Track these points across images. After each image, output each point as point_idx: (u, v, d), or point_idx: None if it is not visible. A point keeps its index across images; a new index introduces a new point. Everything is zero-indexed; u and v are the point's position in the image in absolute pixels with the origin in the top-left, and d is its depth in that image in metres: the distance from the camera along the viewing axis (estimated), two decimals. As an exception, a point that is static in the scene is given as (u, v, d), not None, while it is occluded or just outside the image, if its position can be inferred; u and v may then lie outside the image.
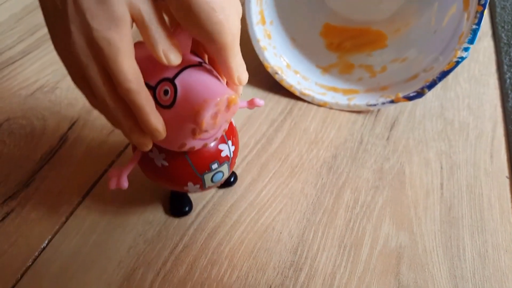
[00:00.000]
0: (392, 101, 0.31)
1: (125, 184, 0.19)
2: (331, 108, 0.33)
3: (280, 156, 0.29)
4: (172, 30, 0.17)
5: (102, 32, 0.15)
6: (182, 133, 0.18)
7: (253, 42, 0.31)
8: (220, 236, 0.24)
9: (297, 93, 0.33)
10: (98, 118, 0.30)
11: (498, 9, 0.44)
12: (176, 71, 0.17)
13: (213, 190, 0.26)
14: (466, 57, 0.28)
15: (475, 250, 0.25)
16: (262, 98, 0.33)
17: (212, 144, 0.20)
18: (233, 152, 0.22)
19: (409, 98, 0.31)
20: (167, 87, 0.17)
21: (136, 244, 0.23)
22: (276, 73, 0.32)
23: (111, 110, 0.17)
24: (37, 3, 0.41)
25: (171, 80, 0.17)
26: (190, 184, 0.21)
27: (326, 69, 0.35)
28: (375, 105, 0.32)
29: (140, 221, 0.24)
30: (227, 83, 0.19)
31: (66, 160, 0.27)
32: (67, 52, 0.16)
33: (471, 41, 0.27)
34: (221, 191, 0.26)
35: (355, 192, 0.27)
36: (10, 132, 0.29)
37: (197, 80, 0.17)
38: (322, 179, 0.28)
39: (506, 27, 0.42)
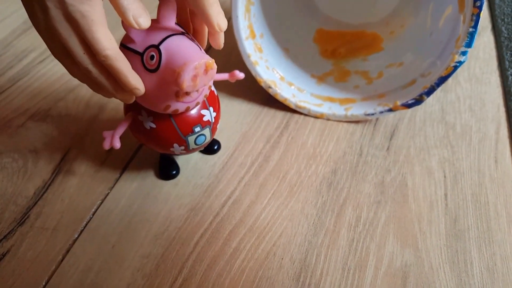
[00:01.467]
0: (390, 110, 0.30)
1: (117, 144, 0.22)
2: (328, 119, 0.32)
3: (278, 175, 0.28)
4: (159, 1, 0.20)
5: (76, 6, 0.17)
6: (167, 95, 0.20)
7: (244, 58, 0.30)
8: (220, 267, 0.23)
9: (293, 106, 0.32)
10: (90, 147, 0.29)
11: (497, 1, 0.43)
12: (161, 38, 0.19)
13: (209, 219, 0.25)
14: (464, 61, 0.27)
15: (483, 264, 0.24)
16: (257, 113, 0.33)
17: (195, 110, 0.23)
18: (214, 117, 0.24)
19: (408, 106, 0.29)
20: (153, 53, 0.19)
21: (134, 281, 0.23)
22: (270, 87, 0.31)
23: (93, 76, 0.19)
24: (24, 26, 0.40)
25: (156, 46, 0.19)
26: (175, 145, 0.24)
27: (321, 78, 0.34)
28: (373, 114, 0.30)
29: (137, 256, 0.23)
30: (209, 33, 0.22)
31: (59, 194, 0.27)
32: (47, 27, 0.18)
33: (469, 45, 0.26)
34: (219, 217, 0.26)
35: (356, 209, 0.26)
36: (3, 167, 0.28)
37: (179, 46, 0.19)
38: (322, 196, 0.27)
39: (506, 19, 0.40)
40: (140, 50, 0.20)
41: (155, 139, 0.24)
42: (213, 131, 0.25)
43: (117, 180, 0.28)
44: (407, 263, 0.24)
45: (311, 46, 0.36)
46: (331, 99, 0.32)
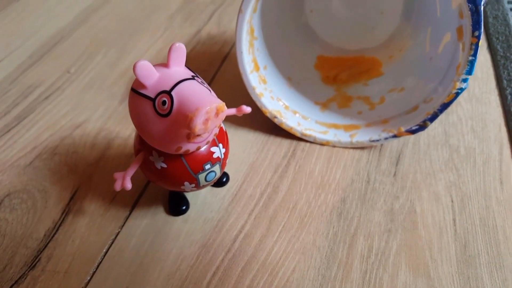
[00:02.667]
0: (394, 136, 0.30)
1: (128, 185, 0.22)
2: (334, 146, 0.32)
3: (288, 206, 0.28)
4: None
5: None
6: (178, 137, 0.20)
7: (249, 90, 0.30)
8: (235, 306, 0.23)
9: (298, 135, 0.32)
10: (99, 184, 0.29)
11: (490, 19, 0.43)
12: (172, 84, 0.20)
13: (221, 256, 0.25)
14: (465, 88, 0.27)
15: (497, 290, 0.24)
16: (263, 143, 0.32)
17: (204, 147, 0.23)
18: (223, 153, 0.25)
19: (412, 132, 0.29)
20: (164, 98, 0.19)
21: (150, 324, 0.22)
22: (275, 117, 0.31)
23: None
24: (30, 61, 0.40)
25: (168, 92, 0.19)
26: (186, 183, 0.24)
27: (325, 104, 0.34)
28: (378, 140, 0.30)
29: (152, 299, 0.23)
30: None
31: (70, 234, 0.26)
32: None
33: (469, 72, 0.26)
34: (231, 253, 0.25)
35: (368, 238, 0.26)
36: (12, 208, 0.28)
37: (190, 91, 0.19)
38: (333, 227, 0.27)
39: (500, 38, 0.41)
40: (152, 95, 0.20)
41: (166, 178, 0.24)
42: (222, 166, 0.25)
43: (127, 218, 0.27)
44: (421, 293, 0.24)
45: (313, 73, 0.36)
46: (336, 126, 0.32)
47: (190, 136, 0.20)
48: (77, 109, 0.35)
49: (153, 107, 0.20)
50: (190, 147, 0.21)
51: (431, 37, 0.32)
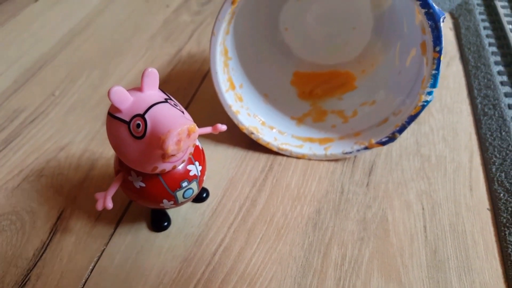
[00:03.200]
0: (366, 148, 0.33)
1: (109, 204, 0.24)
2: (310, 159, 0.34)
3: (266, 218, 0.31)
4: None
5: None
6: (153, 158, 0.22)
7: (226, 108, 0.33)
8: (214, 316, 0.25)
9: (275, 149, 0.34)
10: (84, 204, 0.32)
11: (462, 30, 0.47)
12: (145, 107, 0.22)
13: (201, 269, 0.27)
14: (430, 100, 0.30)
15: (463, 292, 0.26)
16: (241, 157, 0.35)
17: (181, 166, 0.26)
18: (200, 171, 0.27)
19: (382, 143, 0.32)
20: (139, 122, 0.22)
21: (133, 336, 0.24)
22: (252, 133, 0.34)
23: None
24: (15, 86, 0.43)
25: (142, 116, 0.22)
26: (165, 201, 0.26)
27: (300, 119, 0.37)
28: (350, 152, 0.33)
29: (135, 311, 0.25)
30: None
31: (57, 253, 0.29)
32: None
33: (433, 85, 0.29)
34: (211, 265, 0.28)
35: (342, 247, 0.29)
36: (2, 230, 0.30)
37: (162, 114, 0.21)
38: (309, 237, 0.29)
39: (472, 48, 0.44)
40: (127, 119, 0.22)
41: (145, 197, 0.26)
42: (200, 183, 0.27)
43: (111, 235, 0.30)
44: (391, 297, 0.26)
45: (289, 89, 0.39)
46: (311, 140, 0.35)
47: (164, 156, 0.22)
48: (61, 132, 0.38)
49: (128, 130, 0.22)
50: (166, 166, 0.24)
51: (400, 52, 0.35)
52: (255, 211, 0.31)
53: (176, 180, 0.26)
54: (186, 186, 0.26)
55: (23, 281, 0.27)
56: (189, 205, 0.32)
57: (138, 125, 0.22)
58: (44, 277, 0.27)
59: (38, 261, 0.28)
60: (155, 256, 0.28)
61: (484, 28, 0.46)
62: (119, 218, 0.31)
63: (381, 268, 0.28)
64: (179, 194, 0.26)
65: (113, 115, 0.23)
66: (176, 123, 0.21)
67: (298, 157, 0.35)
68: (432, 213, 0.31)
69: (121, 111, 0.22)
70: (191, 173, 0.26)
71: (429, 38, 0.28)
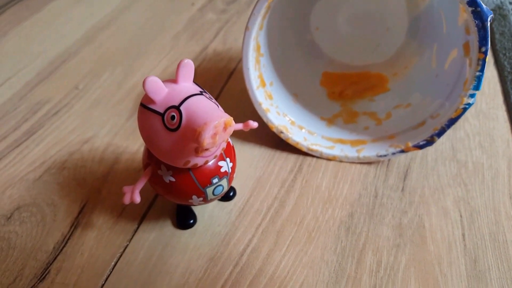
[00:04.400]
0: (402, 151, 0.31)
1: (137, 198, 0.23)
2: (341, 161, 0.33)
3: (295, 220, 0.29)
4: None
5: None
6: (186, 151, 0.22)
7: (256, 106, 0.32)
8: (243, 319, 0.24)
9: (305, 150, 0.33)
10: (107, 198, 0.31)
11: (497, 35, 0.45)
12: (181, 99, 0.21)
13: (229, 270, 0.26)
14: (472, 103, 0.28)
15: (508, 306, 0.24)
16: (270, 158, 0.34)
17: (212, 161, 0.25)
18: (231, 168, 0.26)
19: (420, 147, 0.31)
20: (173, 113, 0.21)
21: (158, 337, 0.23)
22: (281, 132, 0.33)
23: None
24: (38, 78, 0.43)
25: (177, 107, 0.21)
26: (194, 197, 0.25)
27: (330, 120, 0.36)
28: (385, 155, 0.32)
29: (160, 311, 0.24)
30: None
31: (79, 247, 0.28)
32: None
33: (476, 88, 0.28)
34: (239, 266, 0.27)
35: (376, 253, 0.27)
36: (22, 221, 0.29)
37: (198, 107, 0.21)
38: (342, 242, 0.28)
39: (507, 54, 0.42)
40: (161, 110, 0.21)
41: (174, 192, 0.25)
42: (230, 180, 0.26)
43: (135, 231, 0.29)
44: (431, 308, 0.24)
45: (318, 89, 0.38)
46: (342, 141, 0.34)
47: (198, 150, 0.22)
48: (85, 125, 0.37)
49: (162, 122, 0.21)
50: (198, 161, 0.23)
51: (437, 54, 0.34)
52: (284, 212, 0.30)
53: (207, 176, 0.25)
54: (216, 183, 0.25)
55: (43, 274, 0.26)
56: (215, 203, 0.30)
57: (173, 117, 0.21)
58: (64, 271, 0.26)
59: (58, 254, 0.27)
60: (180, 254, 0.27)
61: (520, 35, 0.44)
62: (143, 214, 0.30)
63: (419, 276, 0.26)
64: (209, 190, 0.25)
65: (146, 106, 0.22)
66: (212, 115, 0.20)
67: (329, 159, 0.33)
68: (471, 221, 0.29)
69: (155, 102, 0.21)
70: (222, 170, 0.25)
71: (474, 38, 0.27)
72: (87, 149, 0.35)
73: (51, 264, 0.27)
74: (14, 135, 0.36)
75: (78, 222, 0.29)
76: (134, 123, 0.37)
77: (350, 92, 0.38)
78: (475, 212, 0.30)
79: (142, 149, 0.35)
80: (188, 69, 0.22)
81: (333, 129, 0.35)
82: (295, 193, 0.31)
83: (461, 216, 0.29)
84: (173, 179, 0.24)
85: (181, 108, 0.21)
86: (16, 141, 0.36)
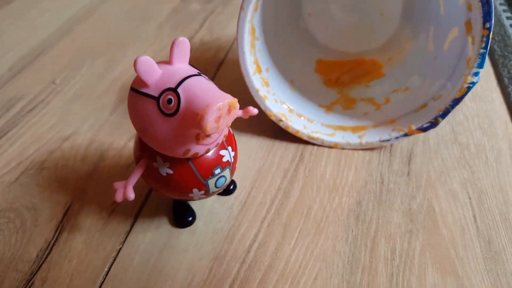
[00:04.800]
0: (405, 134, 0.30)
1: (131, 195, 0.21)
2: (343, 149, 0.32)
3: (302, 211, 0.27)
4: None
5: None
6: (186, 139, 0.19)
7: (253, 93, 0.30)
8: (257, 320, 0.22)
9: (305, 138, 0.32)
10: (94, 199, 0.28)
11: (482, 21, 0.45)
12: (178, 80, 0.19)
13: (236, 268, 0.24)
14: (477, 82, 0.28)
15: (528, 286, 0.23)
16: (269, 148, 0.32)
17: (212, 151, 0.22)
18: (233, 157, 0.24)
19: (423, 130, 0.30)
20: (170, 96, 0.18)
21: None
22: (280, 120, 0.31)
23: None
24: (10, 73, 0.39)
25: (174, 89, 0.18)
26: (195, 190, 0.23)
27: (329, 107, 0.34)
28: (388, 140, 0.31)
29: (164, 318, 0.22)
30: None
31: (65, 254, 0.25)
32: None
33: (480, 65, 0.27)
34: (246, 263, 0.24)
35: (389, 240, 0.26)
36: (-2, 229, 0.26)
37: (198, 88, 0.18)
38: (352, 231, 0.26)
39: (496, 38, 0.42)
40: (155, 94, 0.19)
41: (172, 186, 0.22)
42: (232, 171, 0.24)
43: (128, 232, 0.26)
44: (452, 294, 0.23)
45: (314, 76, 0.37)
46: (342, 128, 0.32)
47: (199, 136, 0.19)
48: (64, 121, 0.34)
49: (157, 107, 0.19)
50: (199, 149, 0.20)
51: (434, 36, 0.33)
52: (289, 203, 0.28)
53: (208, 166, 0.22)
54: (218, 174, 0.23)
55: (26, 286, 0.23)
56: (215, 198, 0.28)
57: (170, 101, 0.18)
58: (50, 281, 0.23)
59: (42, 263, 0.24)
60: (181, 255, 0.25)
61: (507, 18, 0.44)
62: (136, 213, 0.27)
63: (435, 261, 0.25)
64: (211, 182, 0.23)
65: (138, 90, 0.19)
66: (215, 97, 0.18)
67: (331, 146, 0.32)
68: (480, 202, 0.28)
69: (148, 85, 0.19)
70: (224, 159, 0.23)
71: (478, 14, 0.26)
72: (68, 147, 0.32)
73: (35, 274, 0.24)
74: (-16, 135, 0.33)
75: (63, 226, 0.26)
76: (118, 116, 0.34)
77: (346, 78, 0.37)
78: (483, 193, 0.29)
79: (129, 144, 0.32)
80: (184, 48, 0.20)
81: (332, 116, 0.33)
82: (299, 183, 0.29)
83: (469, 198, 0.28)
84: (170, 171, 0.22)
85: (179, 90, 0.18)
86: (-14, 142, 0.32)
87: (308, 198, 0.28)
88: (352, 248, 0.25)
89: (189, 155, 0.20)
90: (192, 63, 0.41)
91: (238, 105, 0.19)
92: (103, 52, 0.42)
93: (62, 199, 0.28)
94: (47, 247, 0.25)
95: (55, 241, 0.25)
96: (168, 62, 0.20)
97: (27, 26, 0.46)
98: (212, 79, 0.39)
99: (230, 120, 0.19)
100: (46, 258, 0.25)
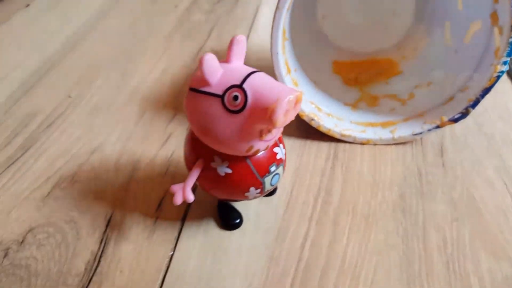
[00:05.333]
0: (437, 126, 0.31)
1: (191, 196, 0.21)
2: (375, 145, 0.32)
3: (347, 208, 0.28)
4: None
5: None
6: (251, 135, 0.19)
7: (287, 93, 0.30)
8: (326, 317, 0.22)
9: (337, 136, 0.32)
10: (135, 208, 0.27)
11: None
12: (241, 77, 0.19)
13: (293, 267, 0.24)
14: (506, 70, 0.29)
15: None
16: (301, 148, 0.33)
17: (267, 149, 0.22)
18: (284, 154, 0.24)
19: (455, 120, 0.31)
20: (236, 93, 0.19)
21: None
22: (312, 119, 0.31)
23: None
24: (22, 89, 0.38)
25: (239, 86, 0.19)
26: (252, 189, 0.22)
27: (354, 105, 0.35)
28: (421, 133, 0.31)
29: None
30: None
31: (115, 265, 0.24)
32: None
33: (510, 54, 0.28)
34: (303, 262, 0.24)
35: (439, 230, 0.26)
36: (39, 244, 0.25)
37: (265, 83, 0.19)
38: (401, 223, 0.27)
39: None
40: (219, 92, 0.19)
41: (230, 185, 0.22)
42: (284, 168, 0.24)
43: (177, 239, 0.25)
44: (508, 275, 0.24)
45: (333, 76, 0.38)
46: (372, 124, 0.33)
47: (262, 133, 0.20)
48: (88, 134, 0.33)
49: (221, 105, 0.19)
50: (261, 146, 0.20)
51: (452, 31, 0.34)
52: (333, 201, 0.28)
53: (265, 164, 0.22)
54: (274, 171, 0.23)
55: (79, 301, 0.22)
56: (257, 200, 0.28)
57: (236, 97, 0.19)
58: (104, 294, 0.23)
59: (93, 276, 0.23)
60: (235, 257, 0.24)
61: None
62: (181, 218, 0.27)
63: (485, 247, 0.25)
64: (267, 180, 0.23)
65: (199, 90, 0.19)
66: (284, 91, 0.18)
67: (363, 143, 0.32)
68: (516, 188, 0.29)
69: (210, 84, 0.19)
70: (278, 156, 0.23)
71: (507, 4, 0.27)
72: (97, 159, 0.31)
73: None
74: (6, 151, 0.32)
75: (107, 237, 0.25)
76: (144, 127, 0.34)
77: (364, 77, 0.38)
78: (517, 179, 0.30)
79: (161, 153, 0.31)
80: (242, 46, 0.21)
81: (359, 113, 0.34)
82: (339, 181, 0.30)
83: (505, 184, 0.29)
84: (229, 171, 0.22)
85: (245, 86, 0.19)
86: (10, 158, 0.31)
87: (351, 195, 0.29)
88: (405, 240, 0.26)
89: (251, 152, 0.20)
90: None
91: (302, 99, 0.19)
92: (114, 65, 0.42)
93: (102, 210, 0.27)
94: (94, 259, 0.24)
95: (102, 253, 0.25)
96: (225, 60, 0.20)
97: (28, 44, 0.45)
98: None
99: (295, 113, 0.19)
100: (95, 270, 0.24)
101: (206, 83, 0.19)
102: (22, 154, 0.31)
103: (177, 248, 0.25)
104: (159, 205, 0.28)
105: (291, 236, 0.26)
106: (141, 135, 0.33)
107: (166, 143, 0.32)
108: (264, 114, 0.18)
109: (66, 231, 0.26)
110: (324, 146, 0.32)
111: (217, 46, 0.45)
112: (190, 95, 0.20)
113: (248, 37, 0.46)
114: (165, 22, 0.49)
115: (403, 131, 0.32)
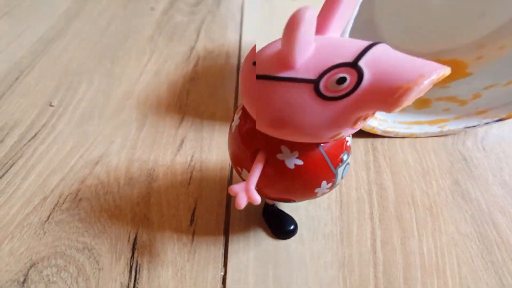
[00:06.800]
0: (500, 119, 0.29)
1: (257, 197, 0.16)
2: (417, 137, 0.31)
3: (407, 200, 0.25)
4: None
5: None
6: (346, 123, 0.15)
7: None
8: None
9: (380, 133, 0.30)
10: (162, 224, 0.23)
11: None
12: (355, 53, 0.14)
13: (371, 272, 0.21)
14: None
15: None
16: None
17: None
18: (350, 141, 0.20)
19: None
20: (344, 74, 0.14)
21: None
22: (356, 119, 0.29)
23: None
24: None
25: (353, 64, 0.14)
26: (323, 183, 0.19)
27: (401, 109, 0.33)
28: (475, 126, 0.30)
29: None
30: None
31: (158, 295, 0.19)
32: None
33: None
34: (379, 265, 0.21)
35: (504, 213, 0.25)
36: (48, 282, 0.20)
37: (393, 57, 0.14)
38: (466, 211, 0.25)
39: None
40: (312, 76, 0.15)
41: (300, 180, 0.18)
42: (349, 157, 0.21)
43: (224, 255, 0.21)
44: None
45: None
46: (418, 123, 0.31)
47: (359, 119, 0.15)
48: (83, 144, 0.28)
49: (313, 91, 0.15)
50: (348, 132, 0.16)
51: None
52: (389, 194, 0.26)
53: (338, 151, 0.19)
54: (345, 160, 0.19)
55: None
56: (305, 203, 0.25)
57: (342, 80, 0.14)
58: (148, 335, 0.18)
59: (130, 312, 0.19)
60: (301, 268, 0.21)
61: None
62: (223, 231, 0.23)
63: (555, 226, 0.24)
64: (340, 171, 0.19)
65: (277, 77, 0.15)
66: (429, 65, 0.14)
67: (404, 136, 0.30)
68: (559, 165, 0.29)
69: (295, 66, 0.15)
70: (348, 143, 0.20)
71: None
72: (103, 171, 0.26)
73: (123, 330, 0.18)
74: (-18, 172, 0.26)
75: (137, 263, 0.21)
76: (149, 131, 0.30)
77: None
78: (557, 156, 0.30)
79: (177, 159, 0.27)
80: (343, 7, 0.16)
81: (405, 115, 0.32)
82: (387, 173, 0.27)
83: (549, 161, 0.29)
84: (300, 162, 0.18)
85: (361, 63, 0.14)
86: (-13, 180, 0.25)
87: (405, 187, 0.26)
88: (476, 227, 0.24)
89: (337, 137, 0.16)
90: (206, 70, 0.38)
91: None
92: (96, 69, 0.37)
93: (122, 231, 0.22)
94: (128, 292, 0.19)
95: (135, 283, 0.20)
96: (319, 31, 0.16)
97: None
98: (238, 83, 0.36)
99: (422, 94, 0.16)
100: (132, 305, 0.19)
101: (287, 65, 0.15)
102: (4, 174, 0.26)
103: (227, 266, 0.21)
104: (192, 218, 0.23)
105: (357, 238, 0.23)
106: (148, 142, 0.29)
107: (182, 148, 0.28)
108: (390, 95, 0.14)
109: (81, 262, 0.21)
110: (360, 141, 0.30)
111: (210, 45, 0.41)
112: (260, 84, 0.16)
113: (240, 36, 0.43)
114: (143, 25, 0.45)
115: (454, 125, 0.30)
